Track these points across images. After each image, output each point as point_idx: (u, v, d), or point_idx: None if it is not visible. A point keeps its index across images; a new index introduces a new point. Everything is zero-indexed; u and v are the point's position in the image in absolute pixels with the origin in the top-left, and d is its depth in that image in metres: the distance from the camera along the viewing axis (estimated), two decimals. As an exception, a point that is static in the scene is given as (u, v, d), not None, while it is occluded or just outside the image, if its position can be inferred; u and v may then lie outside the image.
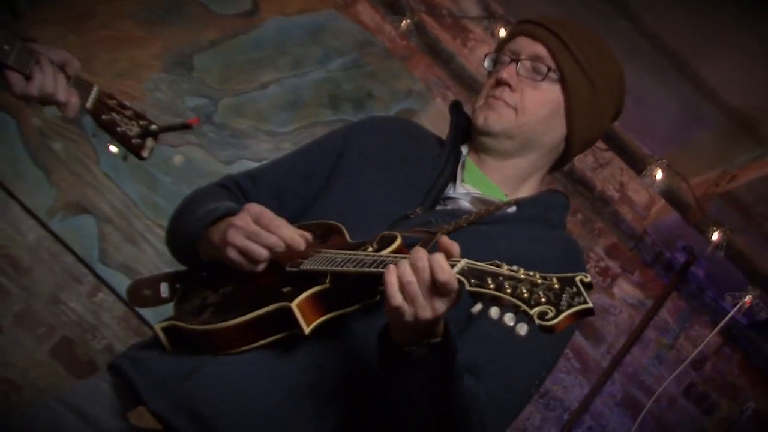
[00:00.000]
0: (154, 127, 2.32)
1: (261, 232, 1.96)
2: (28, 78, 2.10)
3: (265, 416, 1.92)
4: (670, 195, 4.24)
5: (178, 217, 2.31)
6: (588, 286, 1.54)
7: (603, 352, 4.56)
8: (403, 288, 1.70)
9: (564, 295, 1.52)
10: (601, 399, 4.52)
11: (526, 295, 1.55)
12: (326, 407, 1.96)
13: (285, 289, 1.94)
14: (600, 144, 4.40)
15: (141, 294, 2.30)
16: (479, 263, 1.68)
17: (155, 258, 4.03)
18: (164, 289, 2.28)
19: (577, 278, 1.54)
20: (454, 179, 2.33)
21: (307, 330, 1.87)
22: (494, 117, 2.29)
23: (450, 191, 2.31)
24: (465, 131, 2.43)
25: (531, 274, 1.59)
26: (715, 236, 4.11)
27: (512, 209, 2.29)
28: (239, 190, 2.34)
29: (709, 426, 4.57)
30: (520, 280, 1.58)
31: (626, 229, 4.68)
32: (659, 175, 4.20)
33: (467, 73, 4.54)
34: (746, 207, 4.01)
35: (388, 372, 1.87)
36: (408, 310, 1.70)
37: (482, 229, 2.15)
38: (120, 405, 2.02)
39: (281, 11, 4.40)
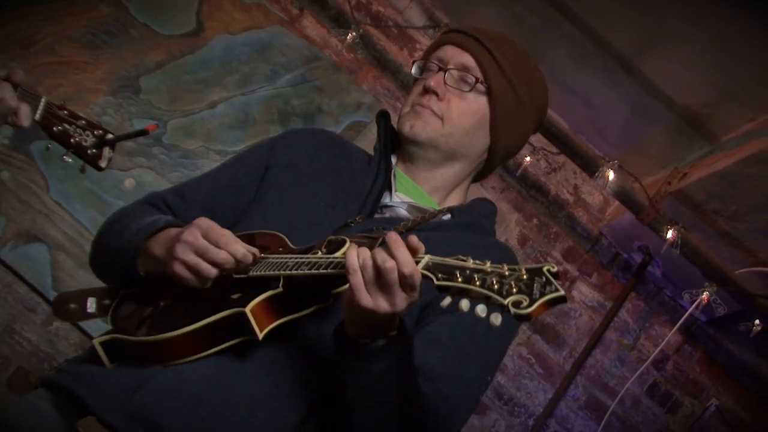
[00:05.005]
0: (110, 136, 2.27)
1: (210, 247, 1.94)
2: None
3: (222, 424, 1.90)
4: (623, 196, 4.26)
5: (107, 235, 2.28)
6: (555, 276, 1.57)
7: (565, 355, 4.57)
8: (365, 280, 1.73)
9: (535, 285, 1.55)
10: (566, 403, 4.52)
11: (496, 286, 1.57)
12: (282, 413, 1.95)
13: (234, 296, 1.93)
14: (552, 148, 4.42)
15: (66, 307, 2.26)
16: (444, 258, 1.70)
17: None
18: (91, 304, 2.24)
19: (545, 268, 1.57)
20: (388, 188, 2.35)
21: (260, 335, 1.86)
22: (420, 125, 2.32)
23: (386, 200, 2.33)
24: (393, 142, 2.46)
25: (498, 266, 1.61)
26: (669, 234, 4.13)
27: (447, 217, 2.33)
28: (167, 206, 2.33)
29: (673, 424, 4.59)
30: (488, 273, 1.61)
31: (582, 232, 4.70)
32: (611, 176, 4.22)
33: (416, 83, 4.53)
34: (699, 204, 4.03)
35: (344, 368, 1.87)
36: (371, 302, 1.72)
37: (421, 236, 2.15)
38: (64, 423, 1.95)
39: (226, 29, 4.39)
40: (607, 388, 4.57)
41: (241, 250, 1.95)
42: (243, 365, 1.94)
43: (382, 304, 1.72)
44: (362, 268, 1.73)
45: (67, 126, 2.22)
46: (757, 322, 4.27)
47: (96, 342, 2.03)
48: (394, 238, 1.74)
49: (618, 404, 4.52)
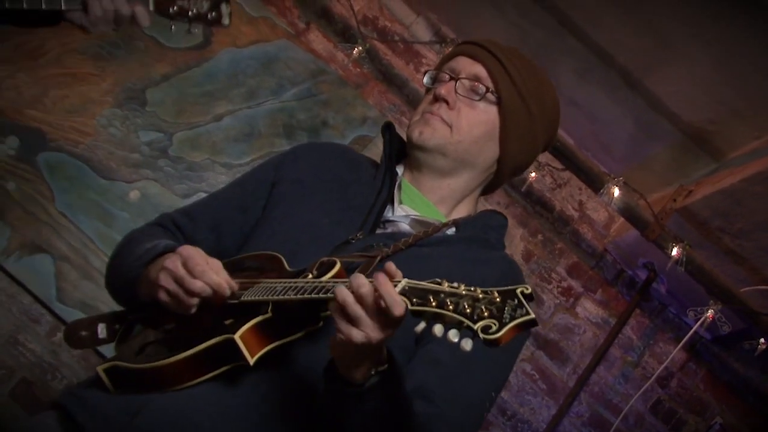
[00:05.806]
0: None
1: (186, 276, 1.94)
2: (85, 9, 2.16)
3: None
4: (628, 212, 4.25)
5: (117, 259, 2.28)
6: (529, 298, 1.55)
7: (569, 372, 4.56)
8: (348, 313, 1.69)
9: (506, 308, 1.53)
10: (569, 419, 4.51)
11: (468, 310, 1.55)
12: None
13: (227, 322, 1.93)
14: (557, 164, 4.42)
15: (78, 335, 2.27)
16: (419, 282, 1.68)
17: (114, 295, 3.98)
18: (101, 330, 2.25)
19: (518, 290, 1.55)
20: (392, 201, 2.33)
21: (251, 361, 1.86)
22: (429, 132, 2.30)
23: (389, 214, 2.31)
24: (399, 152, 2.45)
25: (472, 289, 1.59)
26: (674, 252, 4.13)
27: (451, 230, 2.31)
28: (176, 227, 2.33)
29: (677, 442, 4.58)
30: (461, 296, 1.58)
31: (587, 248, 4.69)
32: (616, 192, 4.21)
33: (421, 98, 4.53)
34: (704, 221, 4.03)
35: (339, 407, 1.86)
36: (357, 335, 1.69)
37: (423, 251, 2.15)
38: None
39: (233, 43, 4.40)
40: (611, 405, 4.56)
41: (216, 280, 1.94)
42: (239, 390, 1.94)
43: (373, 334, 1.70)
44: (347, 312, 1.70)
45: (179, 2, 2.26)
46: (762, 340, 4.26)
47: (99, 369, 2.03)
48: (381, 279, 1.70)
49: (622, 421, 4.50)
